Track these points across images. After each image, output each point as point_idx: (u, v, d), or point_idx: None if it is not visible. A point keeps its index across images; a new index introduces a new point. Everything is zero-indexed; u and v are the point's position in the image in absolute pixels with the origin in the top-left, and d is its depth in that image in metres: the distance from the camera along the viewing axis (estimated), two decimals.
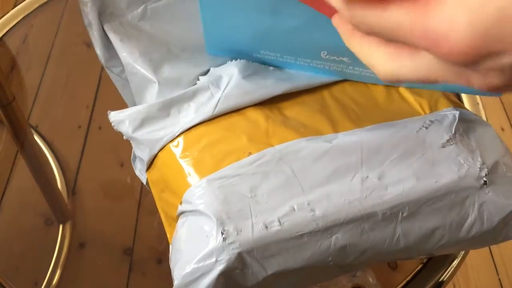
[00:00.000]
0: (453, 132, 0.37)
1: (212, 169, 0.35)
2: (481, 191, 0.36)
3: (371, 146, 0.36)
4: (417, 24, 0.20)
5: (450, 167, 0.36)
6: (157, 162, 0.39)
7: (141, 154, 0.40)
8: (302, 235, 0.33)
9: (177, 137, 0.37)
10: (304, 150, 0.36)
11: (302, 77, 0.40)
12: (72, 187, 0.56)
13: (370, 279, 0.49)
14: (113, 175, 0.57)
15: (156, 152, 0.38)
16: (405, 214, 0.35)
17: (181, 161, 0.36)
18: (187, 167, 0.36)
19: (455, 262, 0.51)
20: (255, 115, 0.38)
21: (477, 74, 0.21)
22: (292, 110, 0.39)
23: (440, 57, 0.20)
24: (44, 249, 0.52)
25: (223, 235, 0.32)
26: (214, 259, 0.32)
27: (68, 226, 0.54)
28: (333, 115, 0.39)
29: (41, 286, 0.50)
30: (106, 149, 0.60)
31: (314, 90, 0.40)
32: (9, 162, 0.58)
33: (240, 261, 0.32)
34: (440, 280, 0.50)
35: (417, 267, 0.51)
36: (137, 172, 0.42)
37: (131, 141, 0.40)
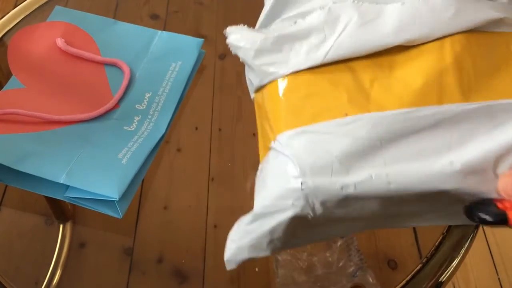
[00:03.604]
0: None
1: (308, 120, 0.37)
2: None
3: (466, 129, 0.36)
4: None
5: None
6: (264, 91, 0.41)
7: (252, 78, 0.43)
8: (373, 200, 0.36)
9: (284, 76, 0.39)
10: (398, 123, 0.36)
11: (426, 25, 0.39)
12: None
13: (370, 279, 0.49)
14: None
15: (264, 83, 0.41)
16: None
17: (283, 103, 0.39)
18: (286, 110, 0.38)
19: (455, 262, 0.51)
20: (363, 73, 0.38)
21: None
22: (403, 68, 0.38)
23: None
24: (44, 249, 0.52)
25: (302, 186, 0.35)
26: (291, 202, 0.36)
27: (68, 226, 0.54)
28: (445, 80, 0.37)
29: (41, 286, 0.50)
30: None
31: (435, 43, 0.39)
32: None
33: (312, 209, 0.36)
34: (440, 280, 0.50)
35: (417, 267, 0.51)
36: (248, 83, 0.44)
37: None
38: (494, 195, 0.35)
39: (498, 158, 0.35)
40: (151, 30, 0.67)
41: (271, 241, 0.38)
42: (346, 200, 0.36)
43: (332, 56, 0.39)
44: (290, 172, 0.36)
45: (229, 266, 0.40)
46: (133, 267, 0.51)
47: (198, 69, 0.65)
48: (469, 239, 0.52)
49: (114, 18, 0.70)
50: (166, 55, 0.64)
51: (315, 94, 0.38)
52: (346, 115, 0.37)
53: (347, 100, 0.37)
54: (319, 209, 0.36)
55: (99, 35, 0.66)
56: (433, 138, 0.36)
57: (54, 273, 0.51)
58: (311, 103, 0.38)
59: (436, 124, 0.36)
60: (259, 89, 0.42)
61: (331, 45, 0.39)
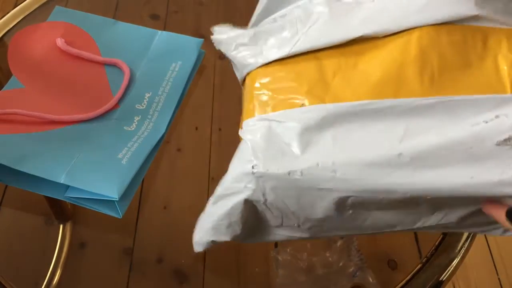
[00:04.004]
0: None
1: (271, 109, 0.40)
2: None
3: (419, 124, 0.36)
4: None
5: (493, 169, 0.34)
6: (244, 83, 0.45)
7: (236, 71, 0.46)
8: (320, 189, 0.37)
9: (258, 68, 0.43)
10: (350, 115, 0.37)
11: (394, 17, 0.39)
12: None
13: (370, 279, 0.49)
14: None
15: (244, 75, 0.45)
16: (425, 201, 0.36)
17: (252, 93, 0.42)
18: (254, 99, 0.41)
19: (455, 262, 0.51)
20: (329, 64, 0.40)
21: None
22: (367, 60, 0.39)
23: None
24: (44, 249, 0.52)
25: (254, 169, 0.37)
26: (243, 185, 0.38)
27: (68, 226, 0.54)
28: (405, 73, 0.38)
29: (41, 286, 0.50)
30: None
31: (403, 35, 0.39)
32: None
33: (264, 194, 0.38)
34: (440, 279, 0.50)
35: (417, 267, 0.51)
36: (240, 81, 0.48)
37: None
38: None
39: (449, 153, 0.35)
40: (151, 30, 0.67)
41: (229, 225, 0.40)
42: (297, 189, 0.37)
43: (299, 47, 0.41)
44: (246, 156, 0.38)
45: (196, 248, 0.43)
46: (133, 267, 0.51)
47: (198, 69, 0.65)
48: (469, 239, 0.52)
49: (114, 18, 0.70)
50: (166, 55, 0.64)
51: (280, 84, 0.41)
52: (303, 105, 0.39)
53: (307, 91, 0.39)
54: (270, 195, 0.38)
55: (99, 35, 0.66)
56: (384, 130, 0.36)
57: (54, 273, 0.51)
58: (275, 93, 0.41)
59: (389, 117, 0.36)
60: (242, 82, 0.46)
61: (299, 38, 0.42)
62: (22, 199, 0.55)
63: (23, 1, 0.72)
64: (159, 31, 0.67)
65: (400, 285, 0.50)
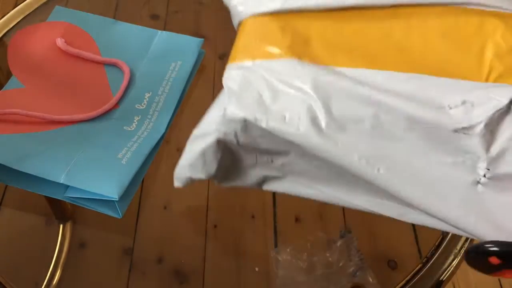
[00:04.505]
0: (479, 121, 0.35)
1: (252, 57, 0.42)
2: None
3: (389, 94, 0.37)
4: None
5: (443, 156, 0.36)
6: (243, 23, 0.46)
7: (232, 20, 0.48)
8: (285, 138, 0.39)
9: (249, 16, 0.44)
10: (322, 76, 0.39)
11: None
12: None
13: (370, 279, 0.49)
14: None
15: (236, 24, 0.46)
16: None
17: (240, 40, 0.44)
18: (239, 46, 0.43)
19: (455, 262, 0.51)
20: (315, 24, 0.42)
21: None
22: (353, 27, 0.41)
23: None
24: (44, 249, 0.52)
25: (225, 111, 0.40)
26: (214, 126, 0.41)
27: (68, 226, 0.54)
28: (386, 47, 0.40)
29: (41, 286, 0.50)
30: None
31: (397, 10, 0.41)
32: None
33: (235, 136, 0.40)
34: (440, 279, 0.50)
35: (417, 267, 0.51)
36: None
37: None
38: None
39: (408, 124, 0.37)
40: (151, 30, 0.67)
41: (204, 164, 0.42)
42: (267, 133, 0.39)
43: (291, 4, 0.43)
44: (222, 100, 0.41)
45: (176, 183, 0.46)
46: (133, 267, 0.51)
47: (198, 69, 0.65)
48: (469, 239, 0.52)
49: (114, 18, 0.70)
50: (166, 55, 0.64)
51: (266, 35, 0.42)
52: (281, 57, 0.41)
53: (288, 46, 0.41)
54: (241, 137, 0.40)
55: (99, 35, 0.66)
56: (356, 99, 0.38)
57: (54, 273, 0.51)
58: (259, 42, 0.42)
59: (359, 86, 0.38)
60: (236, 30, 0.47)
61: None
62: (22, 199, 0.55)
63: (23, 1, 0.72)
64: (159, 31, 0.67)
65: (400, 285, 0.50)
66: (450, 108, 0.36)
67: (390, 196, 0.39)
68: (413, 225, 0.52)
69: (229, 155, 0.43)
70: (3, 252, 0.52)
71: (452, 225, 0.37)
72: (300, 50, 0.41)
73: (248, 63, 0.42)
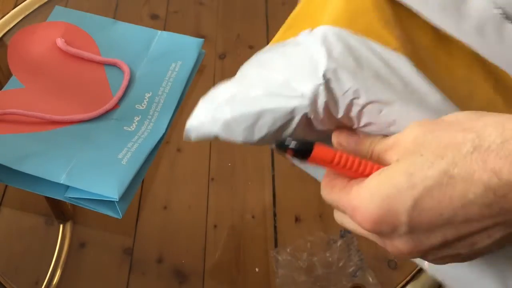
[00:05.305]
0: None
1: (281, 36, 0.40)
2: None
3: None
4: (344, 200, 0.30)
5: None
6: None
7: None
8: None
9: None
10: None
11: None
12: None
13: (370, 279, 0.49)
14: None
15: None
16: None
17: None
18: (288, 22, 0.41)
19: None
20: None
21: (388, 240, 0.29)
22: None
23: (358, 224, 0.29)
24: (44, 249, 0.52)
25: (325, 74, 0.33)
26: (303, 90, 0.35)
27: (68, 226, 0.54)
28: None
29: (41, 286, 0.50)
30: None
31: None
32: None
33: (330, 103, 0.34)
34: None
35: (417, 267, 0.51)
36: None
37: None
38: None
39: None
40: (151, 30, 0.67)
41: (253, 126, 0.37)
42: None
43: None
44: (309, 61, 0.35)
45: (188, 135, 0.41)
46: (133, 267, 0.51)
47: (198, 69, 0.65)
48: None
49: (114, 18, 0.70)
50: (166, 55, 0.64)
51: (307, 11, 0.40)
52: (297, 34, 0.38)
53: (312, 19, 0.38)
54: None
55: (99, 35, 0.66)
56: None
57: (54, 273, 0.51)
58: (296, 19, 0.41)
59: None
60: None
61: None
62: (22, 199, 0.55)
63: (23, 1, 0.72)
64: (159, 31, 0.67)
65: (400, 285, 0.50)
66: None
67: None
68: None
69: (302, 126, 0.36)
70: (3, 252, 0.52)
71: None
72: (318, 19, 0.37)
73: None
